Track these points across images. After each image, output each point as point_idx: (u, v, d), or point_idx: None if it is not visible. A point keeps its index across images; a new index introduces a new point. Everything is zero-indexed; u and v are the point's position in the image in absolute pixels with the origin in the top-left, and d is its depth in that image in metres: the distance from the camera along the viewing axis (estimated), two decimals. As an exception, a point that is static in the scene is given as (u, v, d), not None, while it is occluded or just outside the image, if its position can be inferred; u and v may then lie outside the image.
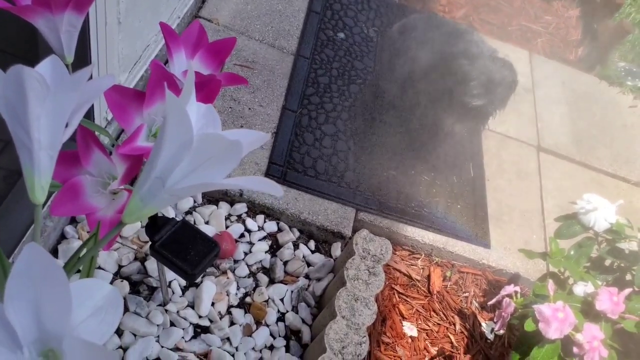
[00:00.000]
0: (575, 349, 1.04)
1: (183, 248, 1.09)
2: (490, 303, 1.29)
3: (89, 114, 1.35)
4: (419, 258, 1.60)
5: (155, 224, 1.06)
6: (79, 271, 0.89)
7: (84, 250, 0.62)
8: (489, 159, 1.91)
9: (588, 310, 1.12)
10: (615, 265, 1.30)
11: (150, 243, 1.06)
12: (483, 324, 1.50)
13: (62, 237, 1.34)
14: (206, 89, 0.75)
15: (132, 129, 0.71)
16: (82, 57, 1.27)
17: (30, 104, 0.54)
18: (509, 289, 1.19)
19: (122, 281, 1.30)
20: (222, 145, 0.49)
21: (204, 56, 0.88)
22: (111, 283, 1.30)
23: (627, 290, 1.09)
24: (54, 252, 1.30)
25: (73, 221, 1.37)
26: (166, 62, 1.74)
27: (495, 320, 1.19)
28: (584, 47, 2.57)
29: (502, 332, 1.31)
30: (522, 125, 2.09)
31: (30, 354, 0.45)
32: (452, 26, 1.97)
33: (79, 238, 1.34)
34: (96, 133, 0.89)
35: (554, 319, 0.99)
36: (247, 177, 0.52)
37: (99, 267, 1.31)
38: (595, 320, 1.09)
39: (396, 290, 1.51)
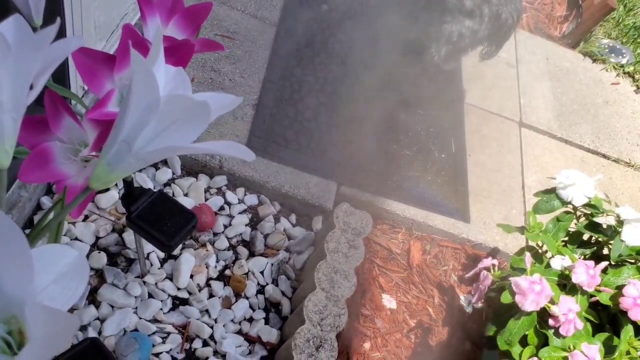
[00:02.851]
0: (551, 321, 1.05)
1: (160, 219, 1.07)
2: (467, 276, 1.30)
3: (65, 82, 1.31)
4: (399, 232, 1.61)
5: (131, 195, 1.05)
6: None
7: (50, 216, 0.60)
8: (470, 135, 1.91)
9: (565, 284, 1.13)
10: (593, 240, 1.31)
11: (126, 214, 1.04)
12: (461, 297, 1.51)
13: (38, 207, 1.31)
14: (179, 54, 0.73)
15: (102, 93, 0.69)
16: (59, 27, 1.23)
17: (-10, 64, 0.52)
18: (487, 262, 1.20)
19: (99, 252, 1.29)
20: (189, 107, 0.47)
21: (179, 21, 0.86)
22: (88, 254, 1.29)
23: (604, 264, 1.10)
24: (30, 223, 1.28)
25: (49, 192, 1.34)
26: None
27: (472, 293, 1.19)
28: (568, 24, 2.56)
29: (479, 305, 1.32)
30: (504, 101, 2.09)
31: (-11, 321, 0.43)
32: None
33: (54, 209, 1.31)
34: (73, 102, 0.87)
35: (531, 291, 1.00)
36: (216, 142, 0.51)
37: (76, 239, 1.29)
38: (571, 293, 1.11)
39: (376, 263, 1.52)
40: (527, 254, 1.10)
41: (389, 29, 1.99)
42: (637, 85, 2.41)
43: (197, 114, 0.47)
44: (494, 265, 1.19)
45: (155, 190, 1.21)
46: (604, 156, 2.10)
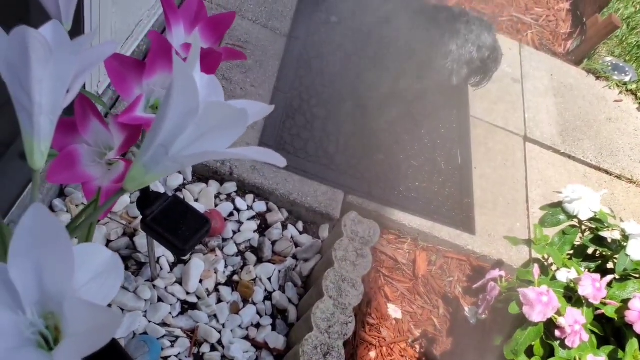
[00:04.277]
0: (557, 332, 1.06)
1: (174, 223, 1.09)
2: (475, 286, 1.31)
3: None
4: (405, 242, 1.62)
5: (147, 199, 1.06)
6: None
7: (83, 217, 0.62)
8: (476, 147, 1.93)
9: (570, 296, 1.15)
10: (598, 254, 1.33)
11: (141, 218, 1.06)
12: (466, 309, 1.52)
13: (51, 209, 1.33)
14: (206, 62, 0.75)
15: (131, 98, 0.70)
16: (75, 30, 1.25)
17: (33, 67, 0.54)
18: (494, 273, 1.21)
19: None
20: (228, 114, 0.49)
21: (202, 30, 0.88)
22: (99, 257, 1.29)
23: (609, 277, 1.12)
24: (41, 225, 1.29)
25: (62, 194, 1.36)
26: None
27: (479, 303, 1.21)
28: (572, 41, 2.60)
29: (484, 316, 1.34)
30: (509, 115, 2.11)
31: (32, 316, 0.45)
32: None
33: (67, 211, 1.33)
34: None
35: (538, 303, 1.02)
36: (250, 147, 0.53)
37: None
38: (577, 305, 1.12)
39: (382, 272, 1.53)
40: (536, 266, 1.12)
41: (397, 41, 2.02)
42: (639, 103, 2.44)
43: (235, 121, 0.49)
44: (501, 276, 1.20)
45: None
46: (607, 172, 2.13)
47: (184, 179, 1.49)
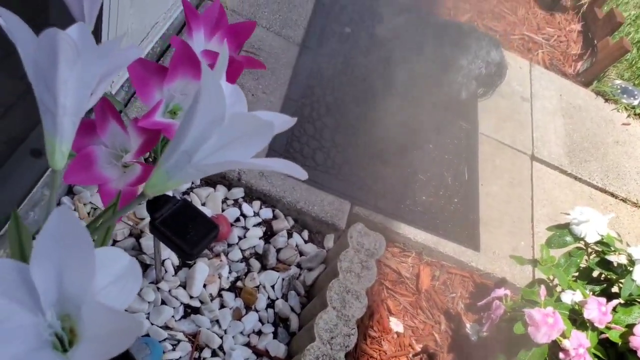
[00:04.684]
0: (561, 355, 1.06)
1: (183, 227, 1.09)
2: (480, 304, 1.31)
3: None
4: (410, 256, 1.62)
5: (157, 201, 1.06)
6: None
7: (100, 220, 0.62)
8: (483, 164, 1.93)
9: (575, 318, 1.15)
10: (603, 277, 1.33)
11: (150, 220, 1.06)
12: (467, 325, 1.52)
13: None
14: (228, 71, 0.75)
15: (151, 103, 0.71)
16: (93, 30, 1.26)
17: (60, 69, 0.54)
18: (500, 291, 1.21)
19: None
20: (254, 125, 0.49)
21: (223, 37, 0.89)
22: (104, 257, 1.29)
23: (615, 302, 1.12)
24: (49, 222, 1.29)
25: (70, 192, 1.36)
26: (168, 46, 1.73)
27: (483, 321, 1.21)
28: (582, 62, 2.60)
29: (486, 334, 1.33)
30: (517, 134, 2.11)
31: (52, 317, 0.45)
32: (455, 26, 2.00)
33: (75, 209, 1.33)
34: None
35: (544, 324, 1.02)
36: (273, 159, 0.53)
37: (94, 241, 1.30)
38: (581, 328, 1.12)
39: (385, 285, 1.53)
40: (542, 287, 1.11)
41: (409, 55, 2.03)
42: (647, 127, 2.44)
43: (260, 133, 0.49)
44: (506, 295, 1.20)
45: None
46: (612, 195, 2.12)
47: (192, 182, 1.49)
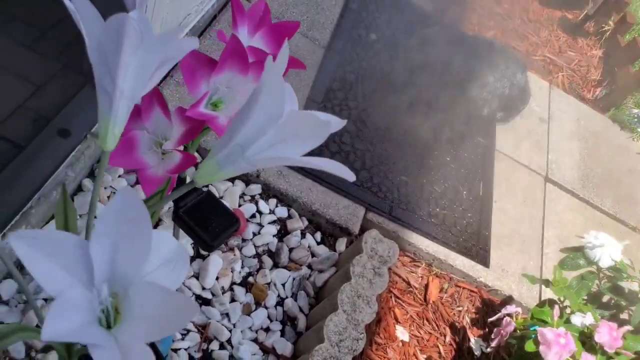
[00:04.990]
0: (569, 376, 1.07)
1: (205, 218, 1.10)
2: (490, 319, 1.32)
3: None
4: (420, 266, 1.63)
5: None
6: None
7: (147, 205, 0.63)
8: (498, 181, 1.94)
9: (584, 341, 1.15)
10: (613, 302, 1.34)
11: (173, 208, 1.07)
12: (472, 340, 1.53)
13: (79, 188, 1.34)
14: (273, 67, 0.76)
15: (198, 93, 0.72)
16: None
17: (123, 53, 0.55)
18: (510, 308, 1.22)
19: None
20: (312, 124, 0.50)
21: (265, 35, 0.90)
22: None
23: (626, 328, 1.12)
24: (69, 203, 1.31)
25: (91, 174, 1.37)
26: (202, 33, 1.75)
27: (493, 336, 1.21)
28: (602, 88, 2.62)
29: (489, 350, 1.34)
30: (533, 154, 2.12)
31: (105, 294, 0.46)
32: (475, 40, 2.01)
33: (95, 192, 1.34)
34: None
35: (556, 344, 1.02)
36: (322, 158, 0.54)
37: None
38: (590, 351, 1.13)
39: (394, 293, 1.54)
40: (556, 307, 1.12)
41: (433, 66, 2.04)
42: (661, 158, 2.45)
43: (316, 132, 0.51)
44: (517, 313, 1.21)
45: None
46: (623, 223, 2.13)
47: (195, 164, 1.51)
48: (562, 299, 1.31)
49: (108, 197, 1.36)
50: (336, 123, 0.58)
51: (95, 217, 0.58)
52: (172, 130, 0.77)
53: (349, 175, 0.54)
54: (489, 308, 1.62)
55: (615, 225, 2.11)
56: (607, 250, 1.31)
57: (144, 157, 0.75)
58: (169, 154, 0.78)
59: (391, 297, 1.53)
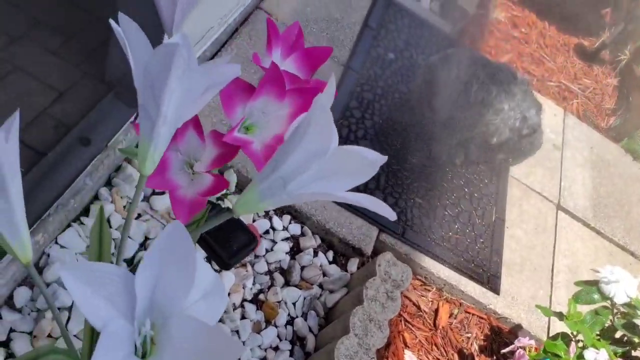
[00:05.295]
0: (583, 413, 1.06)
1: (224, 236, 1.10)
2: (504, 351, 1.31)
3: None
4: (430, 290, 1.62)
5: (203, 207, 1.07)
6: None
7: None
8: (511, 207, 1.93)
9: (598, 378, 1.15)
10: (626, 339, 1.33)
11: (192, 224, 1.07)
12: (480, 368, 1.52)
13: (96, 197, 1.34)
14: (306, 97, 0.76)
15: (235, 118, 0.72)
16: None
17: (170, 79, 0.55)
18: (524, 341, 1.21)
19: (145, 251, 1.30)
20: (359, 163, 0.50)
21: (297, 59, 0.89)
22: (135, 254, 1.30)
23: (641, 367, 1.11)
24: (85, 211, 1.31)
25: (108, 184, 1.37)
26: (217, 51, 1.75)
27: (505, 368, 1.21)
28: (615, 117, 2.62)
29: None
30: (546, 181, 2.12)
31: (148, 326, 0.46)
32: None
33: (111, 202, 1.34)
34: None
35: (572, 381, 1.02)
36: (364, 195, 0.54)
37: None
38: (604, 389, 1.12)
39: (404, 317, 1.53)
40: (572, 344, 1.12)
41: (450, 88, 2.04)
42: (672, 191, 2.44)
43: (362, 171, 0.50)
44: (531, 345, 1.20)
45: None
46: (632, 254, 2.12)
47: (227, 189, 1.50)
48: (574, 333, 1.30)
49: (124, 207, 1.36)
50: (377, 159, 0.58)
51: (129, 237, 0.58)
52: (204, 152, 0.76)
53: (390, 214, 0.54)
54: (497, 336, 1.61)
55: (625, 256, 2.11)
56: (623, 285, 1.31)
57: (175, 178, 0.75)
58: (199, 176, 0.78)
59: (401, 320, 1.52)
